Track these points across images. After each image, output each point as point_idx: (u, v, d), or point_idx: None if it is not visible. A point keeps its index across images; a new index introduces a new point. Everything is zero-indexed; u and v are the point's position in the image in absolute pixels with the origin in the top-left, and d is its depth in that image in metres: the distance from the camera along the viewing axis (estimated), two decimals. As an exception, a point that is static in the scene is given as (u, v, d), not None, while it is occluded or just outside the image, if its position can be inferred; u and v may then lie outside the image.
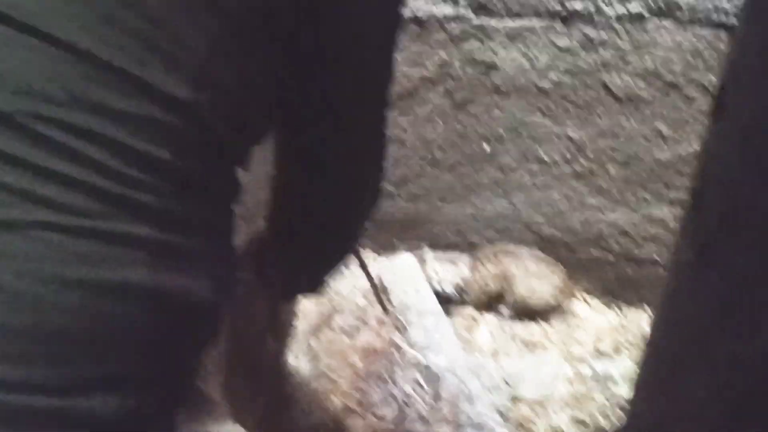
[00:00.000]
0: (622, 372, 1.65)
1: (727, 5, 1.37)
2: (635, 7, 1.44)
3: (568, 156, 1.69)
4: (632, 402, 0.84)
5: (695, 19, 1.42)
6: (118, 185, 0.55)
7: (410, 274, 1.76)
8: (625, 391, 1.60)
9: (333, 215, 0.91)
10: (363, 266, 1.67)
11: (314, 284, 1.06)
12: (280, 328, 1.31)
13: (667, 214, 1.67)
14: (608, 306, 1.87)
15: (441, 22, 1.57)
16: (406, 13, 1.55)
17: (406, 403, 1.49)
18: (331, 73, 0.73)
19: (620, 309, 1.86)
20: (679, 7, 1.41)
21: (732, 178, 0.63)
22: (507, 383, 1.60)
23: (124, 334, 0.56)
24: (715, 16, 1.39)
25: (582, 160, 1.68)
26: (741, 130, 0.61)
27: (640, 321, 1.81)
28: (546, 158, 1.72)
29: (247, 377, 1.13)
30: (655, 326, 0.78)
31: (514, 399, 1.56)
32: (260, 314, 1.16)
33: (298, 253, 0.99)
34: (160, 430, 0.65)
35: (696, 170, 0.70)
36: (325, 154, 0.82)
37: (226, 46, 0.60)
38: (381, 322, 1.67)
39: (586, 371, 1.70)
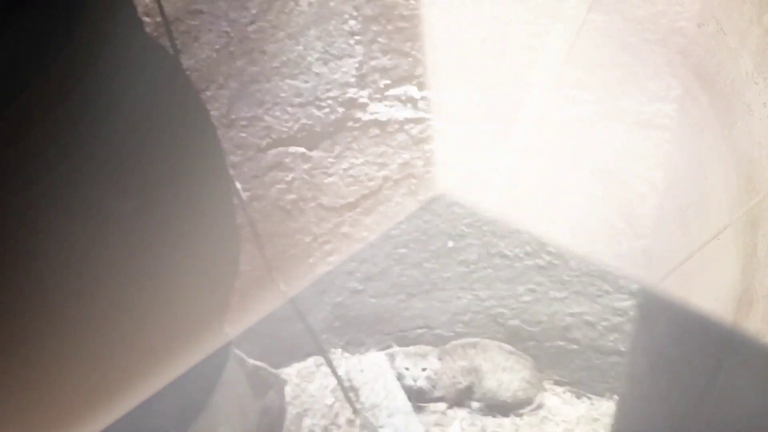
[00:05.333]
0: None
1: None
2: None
3: (530, 250, 1.73)
4: None
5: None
6: None
7: (379, 373, 1.75)
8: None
9: None
10: (331, 366, 1.67)
11: None
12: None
13: (628, 304, 1.70)
14: (578, 397, 1.87)
15: (401, 124, 1.63)
16: (366, 116, 1.60)
17: None
18: None
19: (590, 399, 1.86)
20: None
21: None
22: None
23: None
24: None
25: (544, 255, 1.72)
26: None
27: (609, 411, 1.81)
28: (508, 253, 1.75)
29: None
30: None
31: (487, 499, 1.53)
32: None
33: None
34: None
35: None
36: None
37: None
38: (351, 423, 1.64)
39: (558, 466, 1.68)
